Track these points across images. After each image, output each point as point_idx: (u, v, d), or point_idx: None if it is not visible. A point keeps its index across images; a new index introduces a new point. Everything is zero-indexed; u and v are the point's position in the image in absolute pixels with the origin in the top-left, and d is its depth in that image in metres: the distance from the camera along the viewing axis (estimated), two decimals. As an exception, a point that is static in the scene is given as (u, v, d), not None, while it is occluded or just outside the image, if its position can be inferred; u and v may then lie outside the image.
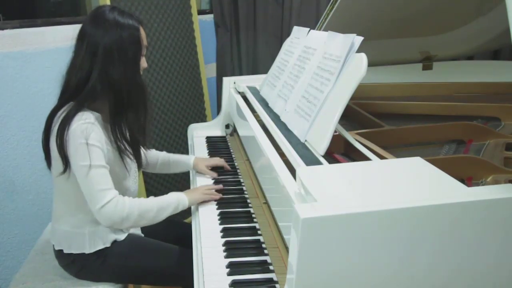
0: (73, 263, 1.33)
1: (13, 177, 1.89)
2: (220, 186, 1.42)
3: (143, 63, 1.29)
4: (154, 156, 1.58)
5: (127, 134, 1.30)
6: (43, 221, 1.97)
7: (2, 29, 1.81)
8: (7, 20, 1.91)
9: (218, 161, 1.60)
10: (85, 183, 1.18)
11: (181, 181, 2.38)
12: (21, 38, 1.84)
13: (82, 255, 1.30)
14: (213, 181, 1.51)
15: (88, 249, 1.29)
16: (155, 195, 1.33)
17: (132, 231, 1.42)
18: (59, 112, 1.22)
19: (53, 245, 1.36)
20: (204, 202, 1.36)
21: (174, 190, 1.36)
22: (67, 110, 1.20)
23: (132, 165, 1.37)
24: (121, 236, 1.34)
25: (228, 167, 1.59)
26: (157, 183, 2.28)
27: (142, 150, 1.45)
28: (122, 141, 1.27)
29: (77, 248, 1.30)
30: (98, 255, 1.31)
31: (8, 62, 1.82)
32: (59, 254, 1.35)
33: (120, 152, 1.28)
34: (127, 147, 1.29)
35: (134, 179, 1.41)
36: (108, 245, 1.31)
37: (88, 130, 1.17)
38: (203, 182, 1.49)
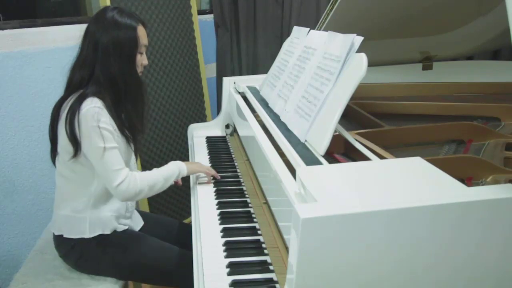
0: (73, 249, 1.34)
1: (13, 177, 1.89)
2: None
3: (143, 60, 1.36)
4: None
5: (127, 123, 1.35)
6: (43, 221, 1.97)
7: (2, 29, 1.81)
8: (7, 20, 1.91)
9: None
10: (100, 164, 1.25)
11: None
12: (21, 38, 1.84)
13: (82, 240, 1.33)
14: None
15: (88, 234, 1.32)
16: None
17: (130, 226, 1.45)
18: (66, 101, 1.28)
19: (53, 233, 1.39)
20: (204, 202, 1.36)
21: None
22: (75, 97, 1.26)
23: (132, 154, 1.43)
24: (121, 227, 1.39)
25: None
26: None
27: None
28: (123, 129, 1.33)
29: (78, 232, 1.33)
30: (98, 242, 1.34)
31: (8, 62, 1.82)
32: (59, 240, 1.36)
33: (125, 138, 1.35)
34: (128, 135, 1.36)
35: (133, 164, 1.46)
36: (108, 232, 1.35)
37: (98, 114, 1.23)
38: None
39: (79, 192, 1.32)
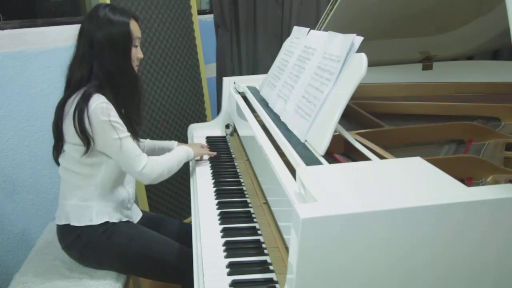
0: (78, 238, 1.36)
1: (13, 177, 1.89)
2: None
3: (138, 53, 1.40)
4: (141, 144, 1.70)
5: (125, 117, 1.38)
6: (43, 221, 1.97)
7: (2, 29, 1.81)
8: (7, 20, 1.91)
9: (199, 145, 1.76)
10: (121, 154, 1.31)
11: None
12: (21, 38, 1.84)
13: (89, 227, 1.35)
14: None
15: (95, 221, 1.35)
16: None
17: (131, 217, 1.50)
18: (70, 99, 1.31)
19: (57, 225, 1.40)
20: (204, 202, 1.36)
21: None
22: (79, 95, 1.29)
23: None
24: (125, 218, 1.43)
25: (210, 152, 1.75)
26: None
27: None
28: (124, 122, 1.35)
29: (85, 220, 1.35)
30: (104, 230, 1.36)
31: (8, 62, 1.82)
32: (65, 230, 1.38)
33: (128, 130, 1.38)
34: (129, 127, 1.38)
35: None
36: (115, 221, 1.38)
37: (107, 109, 1.27)
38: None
39: (86, 182, 1.35)
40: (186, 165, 1.66)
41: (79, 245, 1.37)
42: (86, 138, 1.27)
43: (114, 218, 1.39)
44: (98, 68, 1.31)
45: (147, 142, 1.70)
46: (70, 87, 1.33)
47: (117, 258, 1.39)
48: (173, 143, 1.73)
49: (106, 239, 1.36)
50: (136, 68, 1.41)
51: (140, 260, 1.39)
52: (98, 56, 1.30)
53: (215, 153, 1.66)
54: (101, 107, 1.26)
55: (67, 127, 1.30)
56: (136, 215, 1.56)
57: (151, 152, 1.70)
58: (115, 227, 1.38)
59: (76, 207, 1.36)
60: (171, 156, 1.46)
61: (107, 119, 1.26)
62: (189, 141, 1.95)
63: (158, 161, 1.39)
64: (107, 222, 1.37)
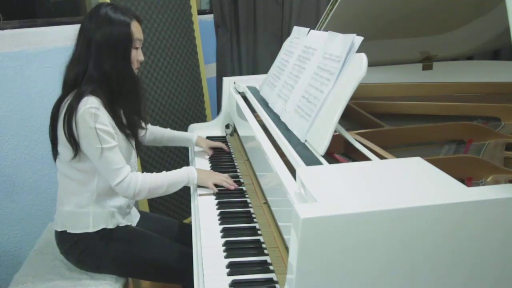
0: (75, 244, 1.35)
1: (13, 177, 1.89)
2: (235, 185, 1.44)
3: (139, 56, 1.36)
4: (159, 132, 1.69)
5: (124, 120, 1.37)
6: (43, 221, 1.97)
7: (2, 29, 1.81)
8: (7, 20, 1.91)
9: (219, 144, 1.74)
10: (100, 164, 1.27)
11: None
12: (21, 38, 1.84)
13: (86, 234, 1.33)
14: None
15: (92, 228, 1.33)
16: (150, 172, 1.40)
17: (129, 220, 1.48)
18: (64, 101, 1.28)
19: (55, 231, 1.39)
20: (204, 202, 1.36)
21: (168, 167, 1.42)
22: (71, 97, 1.26)
23: (132, 151, 1.45)
24: (123, 222, 1.41)
25: (227, 149, 1.74)
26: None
27: (148, 128, 1.60)
28: (121, 126, 1.34)
29: (81, 227, 1.34)
30: (101, 237, 1.35)
31: (8, 62, 1.82)
32: (62, 236, 1.37)
33: (124, 135, 1.36)
34: (126, 130, 1.37)
35: (134, 161, 1.47)
36: (112, 226, 1.36)
37: (95, 116, 1.23)
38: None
39: (82, 188, 1.34)
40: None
41: (77, 251, 1.36)
42: (74, 142, 1.25)
43: (111, 224, 1.36)
44: (93, 68, 1.27)
45: (167, 132, 1.69)
46: (66, 87, 1.31)
47: (115, 263, 1.38)
48: (193, 136, 1.72)
49: (104, 245, 1.35)
50: (136, 71, 1.38)
51: (139, 263, 1.38)
52: (95, 56, 1.27)
53: (232, 187, 1.43)
54: (89, 112, 1.22)
55: (59, 129, 1.28)
56: (134, 217, 1.55)
57: (170, 142, 1.72)
58: (112, 233, 1.36)
59: (72, 214, 1.34)
60: (163, 176, 1.36)
61: (93, 126, 1.22)
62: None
63: (139, 178, 1.31)
64: (104, 229, 1.35)
